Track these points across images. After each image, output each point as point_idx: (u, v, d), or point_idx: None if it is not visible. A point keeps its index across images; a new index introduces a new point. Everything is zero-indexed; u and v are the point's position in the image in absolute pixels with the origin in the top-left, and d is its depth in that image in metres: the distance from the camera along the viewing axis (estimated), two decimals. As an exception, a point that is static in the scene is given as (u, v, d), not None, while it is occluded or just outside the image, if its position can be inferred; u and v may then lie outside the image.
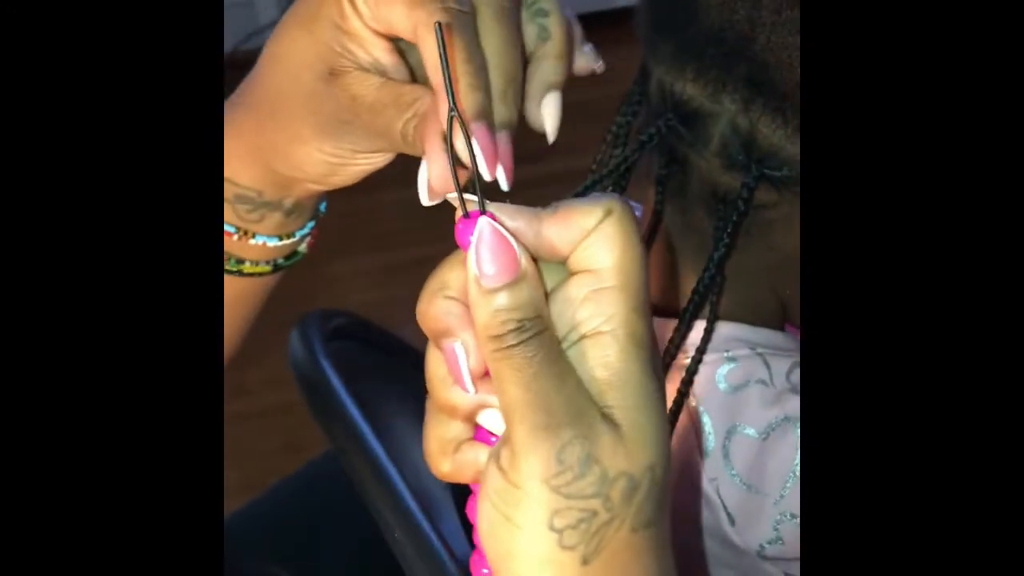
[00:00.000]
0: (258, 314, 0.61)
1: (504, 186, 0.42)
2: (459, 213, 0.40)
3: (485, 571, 0.45)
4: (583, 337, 0.39)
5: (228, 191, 0.54)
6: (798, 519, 0.66)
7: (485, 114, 0.42)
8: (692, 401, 0.69)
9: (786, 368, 0.68)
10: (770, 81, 0.62)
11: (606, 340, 0.39)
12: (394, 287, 2.06)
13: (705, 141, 0.65)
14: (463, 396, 0.41)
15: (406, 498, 0.69)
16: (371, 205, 2.03)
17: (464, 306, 0.40)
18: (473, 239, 0.39)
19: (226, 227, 0.55)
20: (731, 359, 0.69)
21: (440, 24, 0.40)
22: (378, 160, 0.50)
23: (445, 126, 0.41)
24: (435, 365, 0.42)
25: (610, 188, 0.70)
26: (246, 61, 0.54)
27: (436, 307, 0.41)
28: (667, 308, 0.73)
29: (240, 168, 0.53)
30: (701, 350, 0.68)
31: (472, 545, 0.78)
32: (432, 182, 0.43)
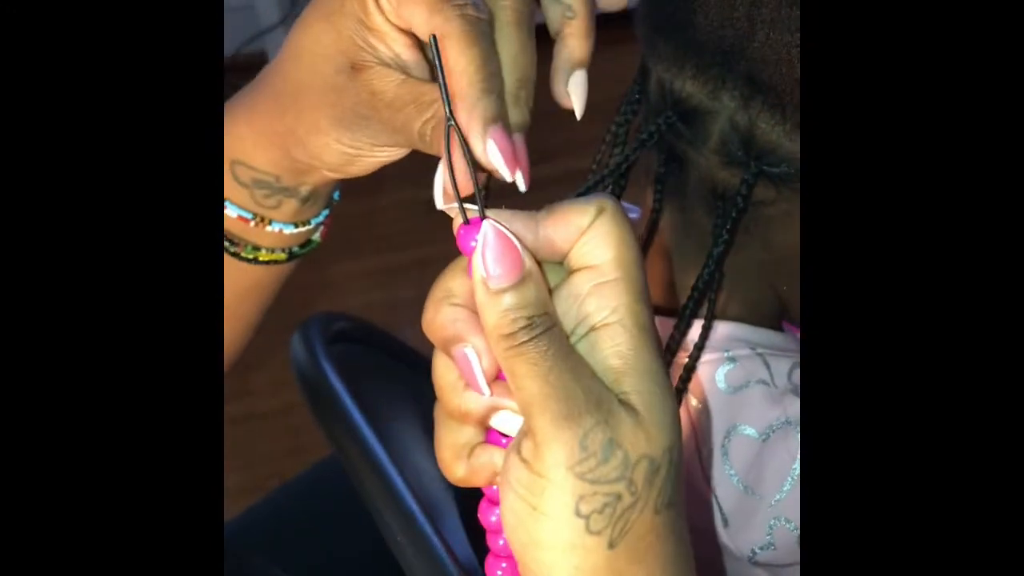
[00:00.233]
0: (271, 304, 0.62)
1: (522, 187, 0.43)
2: (458, 220, 0.41)
3: (504, 566, 0.46)
4: (592, 329, 0.41)
5: (246, 175, 0.54)
6: (792, 524, 0.65)
7: (500, 117, 0.43)
8: (692, 400, 0.69)
9: (787, 368, 0.68)
10: (770, 78, 0.62)
11: (615, 330, 0.40)
12: (396, 288, 2.06)
13: (704, 138, 0.66)
14: (475, 401, 0.42)
15: (408, 501, 0.69)
16: (372, 207, 2.04)
17: (470, 311, 0.41)
18: (478, 242, 0.40)
19: (243, 213, 0.55)
20: (731, 359, 0.69)
21: (435, 37, 0.42)
22: (395, 153, 0.51)
23: (448, 135, 0.42)
24: (444, 372, 0.43)
25: (610, 188, 0.70)
26: (247, 64, 0.54)
27: (443, 315, 0.42)
28: (667, 308, 0.73)
29: (259, 153, 0.53)
30: (699, 347, 0.68)
31: (474, 548, 0.78)
32: (448, 184, 0.43)
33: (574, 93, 0.48)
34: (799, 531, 0.66)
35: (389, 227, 2.05)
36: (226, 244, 0.56)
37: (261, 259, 0.57)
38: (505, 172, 0.42)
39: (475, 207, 0.41)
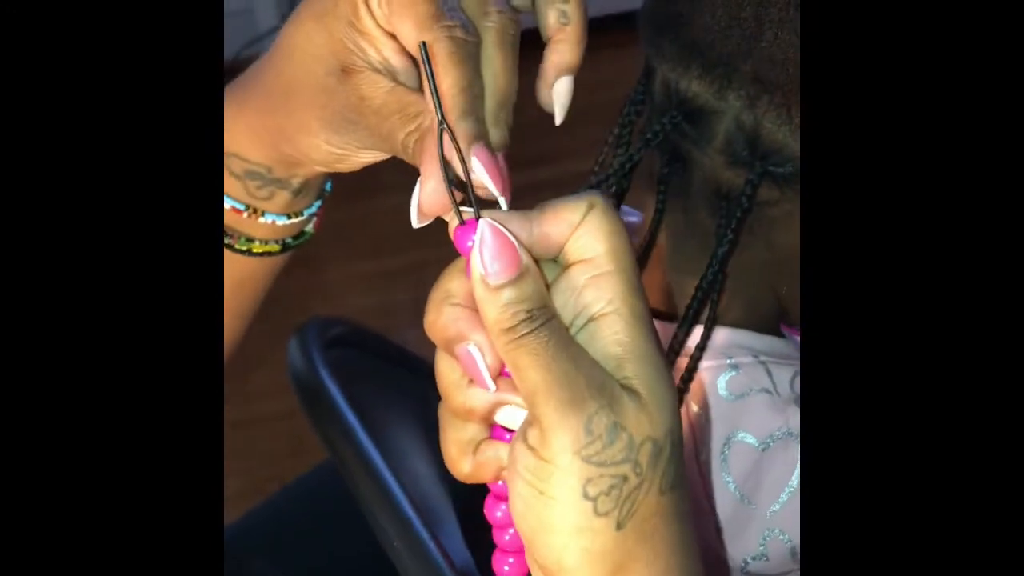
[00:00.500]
0: (264, 298, 0.62)
1: (503, 205, 0.43)
2: (454, 222, 0.43)
3: (511, 561, 0.46)
4: (591, 320, 0.42)
5: (238, 166, 0.55)
6: (787, 537, 0.65)
7: (481, 137, 0.44)
8: (692, 406, 0.69)
9: (789, 377, 0.68)
10: (776, 78, 0.62)
11: (613, 319, 0.41)
12: (392, 292, 2.06)
13: (709, 138, 0.66)
14: (479, 397, 0.43)
15: (404, 506, 0.69)
16: (368, 211, 2.04)
17: (471, 310, 0.42)
18: (476, 240, 0.41)
19: (236, 204, 0.56)
20: (733, 366, 0.69)
21: (424, 44, 0.43)
22: (381, 155, 0.51)
23: (438, 141, 0.43)
24: (447, 372, 0.44)
25: (613, 189, 0.70)
26: (247, 67, 0.54)
27: (444, 315, 0.43)
28: (666, 312, 0.73)
29: (250, 145, 0.54)
30: (701, 347, 0.68)
31: (473, 552, 0.78)
32: (423, 202, 0.44)
33: (558, 99, 0.48)
34: (793, 544, 0.66)
35: (386, 231, 2.05)
36: None
37: (255, 251, 0.57)
38: (491, 185, 0.43)
39: (470, 209, 0.42)
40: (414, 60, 0.49)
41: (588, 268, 0.42)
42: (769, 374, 0.68)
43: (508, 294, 0.41)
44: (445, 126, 0.43)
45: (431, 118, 0.45)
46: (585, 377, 0.40)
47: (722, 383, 0.69)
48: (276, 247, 0.58)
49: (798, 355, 0.72)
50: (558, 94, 0.48)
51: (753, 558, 0.67)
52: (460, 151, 0.43)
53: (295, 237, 0.59)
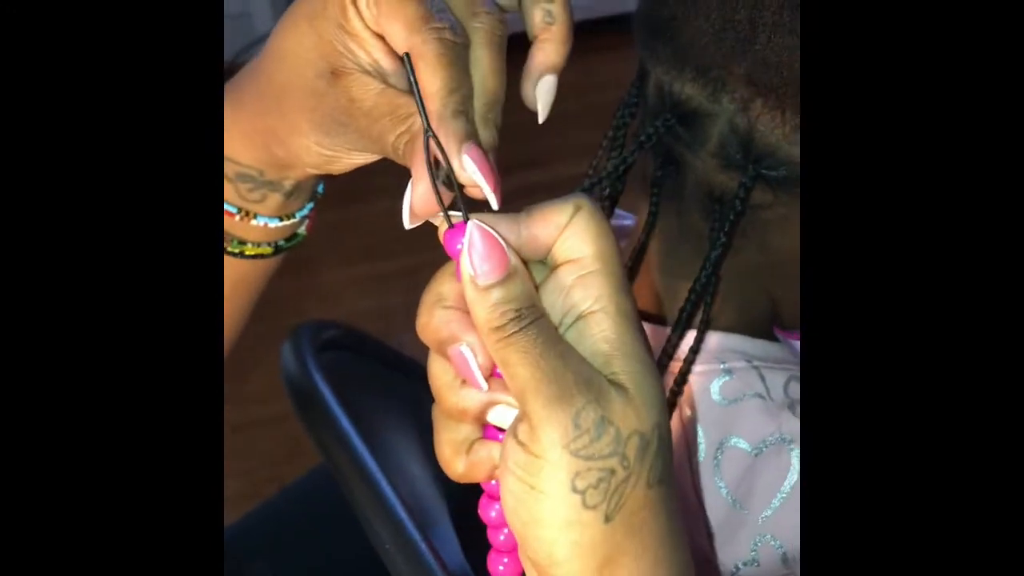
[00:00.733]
0: (258, 300, 0.63)
1: (494, 205, 0.44)
2: (443, 226, 0.43)
3: (505, 561, 0.47)
4: (579, 318, 0.43)
5: (230, 169, 0.55)
6: (778, 543, 0.65)
7: (472, 136, 0.44)
8: (686, 410, 0.69)
9: (783, 381, 0.68)
10: (770, 81, 0.62)
11: (600, 317, 0.42)
12: (387, 296, 2.06)
13: (703, 141, 0.65)
14: (471, 398, 0.44)
15: (397, 509, 0.69)
16: (363, 214, 2.04)
17: (462, 312, 0.43)
18: (465, 242, 0.42)
19: (228, 207, 0.56)
20: (727, 371, 0.69)
21: (408, 55, 0.44)
22: (372, 157, 0.52)
23: (428, 146, 0.44)
24: (440, 373, 0.45)
25: (607, 191, 0.70)
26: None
27: (436, 318, 0.44)
28: (657, 316, 0.73)
29: (241, 148, 0.54)
30: (695, 350, 0.68)
31: (467, 555, 0.78)
32: (414, 203, 0.44)
33: (541, 98, 0.48)
34: (784, 550, 0.66)
35: (381, 235, 2.05)
36: None
37: (247, 253, 0.57)
38: (483, 183, 0.43)
39: (459, 213, 0.43)
40: (403, 57, 0.49)
41: (576, 268, 0.43)
42: (762, 379, 0.68)
43: (497, 294, 0.42)
44: (431, 134, 0.43)
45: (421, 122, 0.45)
46: (573, 373, 0.41)
47: (715, 388, 0.69)
48: (268, 249, 0.58)
49: (791, 359, 0.72)
50: (542, 93, 0.48)
51: (745, 563, 0.67)
52: (446, 155, 0.43)
53: (287, 239, 0.59)
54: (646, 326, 0.62)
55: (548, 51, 0.48)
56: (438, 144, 0.43)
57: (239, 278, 0.59)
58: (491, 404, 0.44)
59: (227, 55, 0.53)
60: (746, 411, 0.68)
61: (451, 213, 0.43)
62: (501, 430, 0.45)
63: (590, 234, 0.43)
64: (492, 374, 0.44)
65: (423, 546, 0.67)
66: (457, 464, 0.46)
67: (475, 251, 0.42)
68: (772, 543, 0.66)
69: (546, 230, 0.43)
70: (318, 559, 0.98)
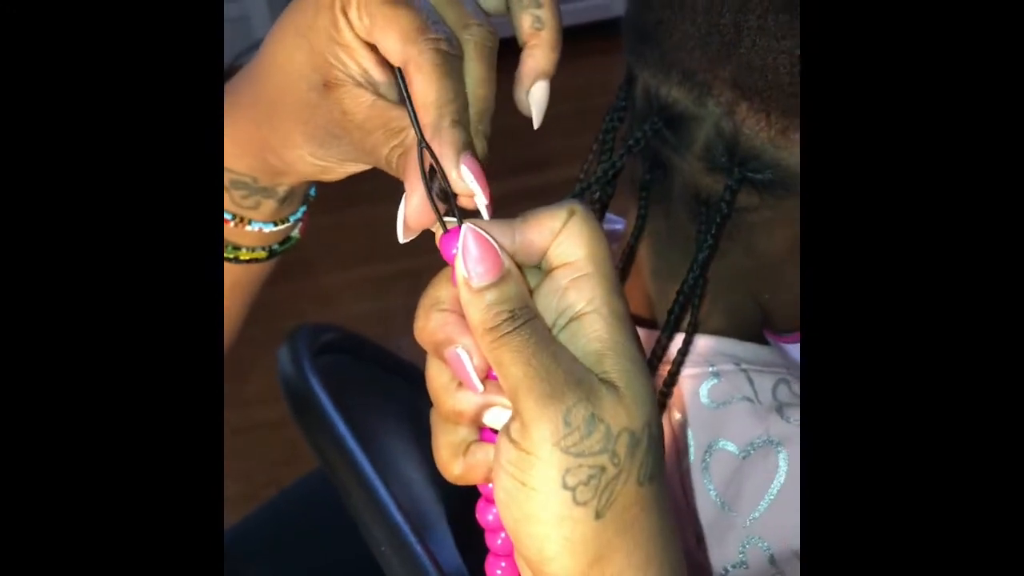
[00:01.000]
0: (253, 304, 0.63)
1: (485, 215, 0.45)
2: (439, 231, 0.44)
3: (503, 565, 0.47)
4: (572, 320, 0.43)
5: (225, 177, 0.55)
6: (766, 544, 0.66)
7: (469, 145, 0.45)
8: (675, 414, 0.69)
9: (771, 385, 0.69)
10: (755, 84, 0.62)
11: (592, 318, 0.43)
12: (385, 299, 2.06)
13: (689, 144, 0.66)
14: (467, 400, 0.44)
15: (392, 512, 0.69)
16: (362, 218, 2.04)
17: (458, 315, 0.44)
18: (459, 245, 0.43)
19: (223, 214, 0.56)
20: (715, 374, 0.69)
21: (400, 70, 0.45)
22: (367, 165, 0.52)
23: (421, 157, 0.44)
24: (436, 375, 0.45)
25: (598, 195, 0.71)
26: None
27: (433, 321, 0.44)
28: (649, 320, 0.73)
29: (235, 157, 0.55)
30: (684, 351, 0.69)
31: (464, 557, 0.79)
32: (408, 217, 0.45)
33: (534, 104, 0.49)
34: (772, 551, 0.66)
35: (379, 238, 2.05)
36: None
37: (242, 258, 0.58)
38: (479, 192, 0.44)
39: (454, 219, 0.44)
40: (395, 71, 0.49)
41: (569, 271, 0.44)
42: (751, 382, 0.69)
43: (491, 296, 0.42)
44: (425, 146, 0.44)
45: (413, 133, 0.45)
46: (564, 372, 0.42)
47: (704, 391, 0.69)
48: (263, 254, 0.59)
49: (781, 363, 0.72)
50: (535, 99, 0.49)
51: (733, 566, 0.67)
52: (440, 166, 0.44)
53: (281, 243, 0.59)
54: (639, 330, 0.62)
55: (538, 57, 0.48)
56: (433, 156, 0.44)
57: (234, 283, 0.60)
58: (487, 406, 0.44)
59: (226, 59, 0.54)
60: (734, 414, 0.68)
61: (446, 219, 0.44)
62: (497, 432, 0.45)
63: (583, 238, 0.44)
64: (488, 377, 0.44)
65: (419, 548, 0.67)
66: (454, 466, 0.46)
67: (469, 254, 0.43)
68: (760, 545, 0.66)
69: (540, 235, 0.44)
70: (316, 561, 0.98)
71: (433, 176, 0.44)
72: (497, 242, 0.43)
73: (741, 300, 0.71)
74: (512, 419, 0.43)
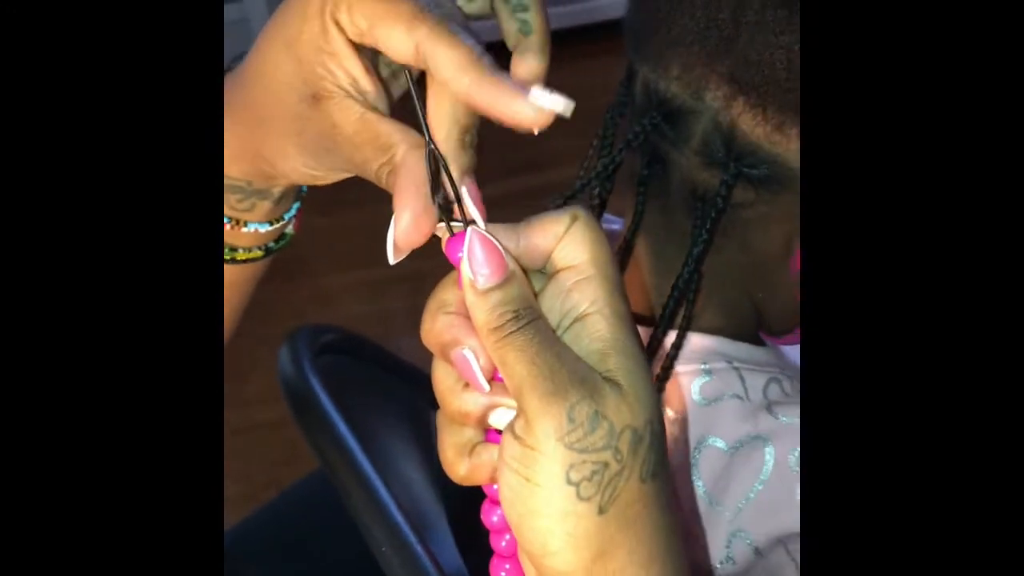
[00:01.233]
0: (256, 303, 0.63)
1: (482, 227, 0.45)
2: (446, 236, 0.45)
3: (507, 567, 0.47)
4: (575, 320, 0.44)
5: None
6: (750, 538, 0.66)
7: (472, 169, 0.46)
8: (668, 412, 0.70)
9: (762, 384, 0.69)
10: (752, 79, 0.62)
11: (596, 318, 0.44)
12: (388, 300, 2.07)
13: (687, 139, 0.66)
14: (473, 401, 0.45)
15: (393, 512, 0.70)
16: (364, 219, 2.04)
17: (464, 318, 0.44)
18: (464, 247, 0.44)
19: None
20: (707, 371, 0.70)
21: (409, 71, 0.45)
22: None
23: (415, 174, 0.44)
24: (443, 377, 0.46)
25: (597, 191, 0.71)
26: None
27: (439, 323, 0.45)
28: (648, 316, 0.74)
29: (229, 162, 0.54)
30: (677, 346, 0.69)
31: (464, 557, 0.79)
32: (398, 238, 0.45)
33: (543, 104, 0.45)
34: (755, 544, 0.66)
35: (380, 240, 2.05)
36: None
37: (239, 259, 0.58)
38: (479, 218, 0.45)
39: (459, 222, 0.45)
40: (383, 80, 0.49)
41: (573, 274, 0.44)
42: (742, 380, 0.69)
43: (496, 296, 0.43)
44: (433, 147, 0.45)
45: (402, 151, 0.45)
46: (568, 370, 0.42)
47: (696, 388, 0.69)
48: (259, 253, 0.59)
49: (775, 363, 0.72)
50: (543, 103, 0.46)
51: (721, 563, 0.67)
52: (449, 173, 0.45)
53: (276, 240, 0.60)
54: (638, 327, 0.62)
55: (529, 63, 0.47)
56: (442, 163, 0.45)
57: (231, 283, 0.60)
58: (492, 407, 0.45)
59: (225, 61, 0.53)
60: (724, 411, 0.68)
61: (452, 224, 0.45)
62: (502, 433, 0.45)
63: (586, 242, 0.45)
64: (493, 378, 0.45)
65: (419, 548, 0.68)
66: (460, 467, 0.47)
67: (475, 257, 0.43)
68: (745, 539, 0.66)
69: (544, 239, 0.45)
70: (317, 562, 0.98)
71: (438, 180, 0.45)
72: (502, 245, 0.44)
73: (736, 299, 0.72)
74: (516, 417, 0.43)
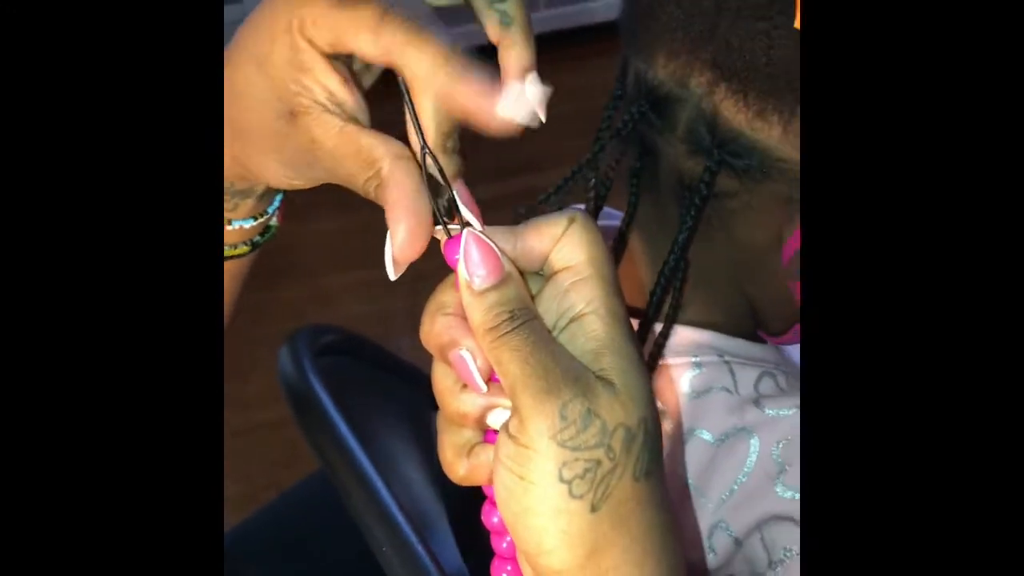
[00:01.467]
0: (240, 295, 0.63)
1: (478, 227, 0.45)
2: (443, 237, 0.45)
3: (509, 568, 0.47)
4: (571, 320, 0.44)
5: None
6: (731, 530, 0.66)
7: (461, 173, 0.46)
8: (659, 404, 0.70)
9: (754, 378, 0.69)
10: (733, 65, 0.63)
11: (591, 318, 0.44)
12: (389, 301, 2.07)
13: (673, 127, 0.67)
14: (471, 402, 0.45)
15: (394, 513, 0.70)
16: (364, 220, 2.04)
17: (462, 319, 0.45)
18: (461, 249, 0.44)
19: None
20: (698, 364, 0.70)
21: (403, 81, 0.44)
22: None
23: (405, 187, 0.44)
24: (442, 378, 0.46)
25: (592, 183, 0.71)
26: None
27: (438, 324, 0.45)
28: (643, 310, 0.73)
29: None
30: (664, 335, 0.70)
31: (464, 558, 0.79)
32: (396, 255, 0.45)
33: (533, 99, 0.46)
34: (735, 535, 0.66)
35: (380, 240, 2.05)
36: None
37: (226, 255, 0.58)
38: (474, 221, 0.45)
39: (457, 226, 0.45)
40: (362, 88, 0.48)
41: (570, 275, 0.45)
42: (732, 374, 0.70)
43: (492, 297, 0.44)
44: (428, 152, 0.45)
45: (388, 164, 0.45)
46: (562, 369, 0.43)
47: (686, 381, 0.70)
48: (246, 248, 0.59)
49: (770, 359, 0.72)
50: (532, 94, 0.47)
51: (703, 555, 0.68)
52: (445, 176, 0.45)
53: (262, 234, 0.59)
54: (634, 322, 0.62)
55: (517, 55, 0.46)
56: (438, 167, 0.45)
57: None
58: (490, 408, 0.45)
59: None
60: (712, 404, 0.69)
61: (449, 226, 0.45)
62: None
63: (584, 243, 0.45)
64: (491, 378, 0.45)
65: (420, 548, 0.68)
66: (459, 467, 0.47)
67: (471, 258, 0.44)
68: (726, 529, 0.67)
69: (541, 241, 0.45)
70: (317, 562, 0.98)
71: (434, 184, 0.45)
72: (498, 246, 0.44)
73: (728, 293, 0.72)
74: (511, 416, 0.43)
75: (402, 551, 0.68)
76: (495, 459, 0.44)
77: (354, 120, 0.46)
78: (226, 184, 0.54)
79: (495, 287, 0.44)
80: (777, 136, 0.64)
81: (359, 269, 2.17)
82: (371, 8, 0.44)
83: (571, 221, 0.45)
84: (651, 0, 0.66)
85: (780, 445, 0.66)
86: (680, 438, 0.69)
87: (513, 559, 0.48)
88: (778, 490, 0.65)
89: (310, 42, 0.45)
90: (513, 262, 0.45)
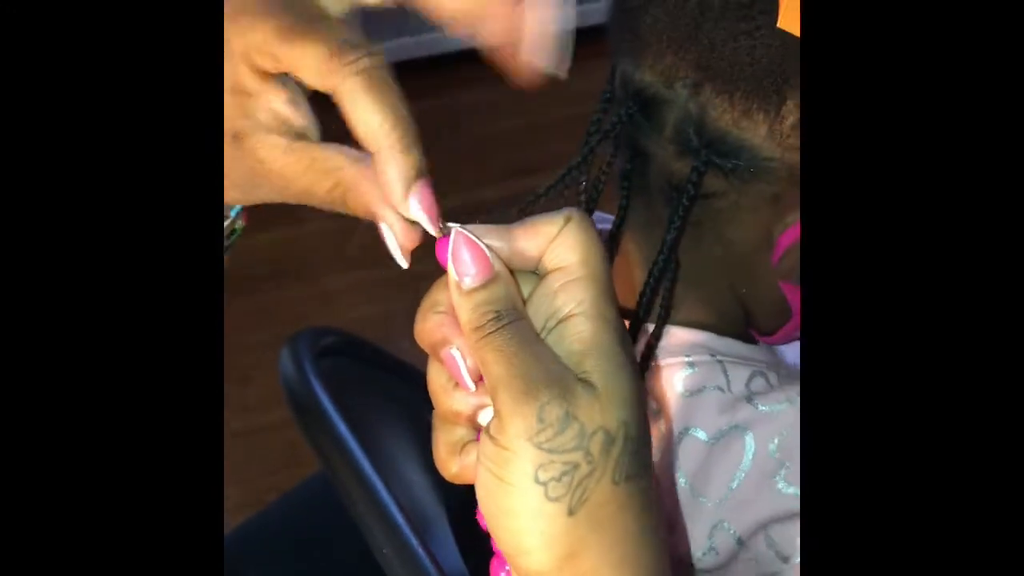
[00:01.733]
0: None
1: (434, 232, 0.44)
2: (438, 233, 0.45)
3: (507, 568, 0.48)
4: (560, 321, 0.44)
5: None
6: (732, 529, 0.66)
7: (421, 173, 0.43)
8: (651, 404, 0.70)
9: (746, 376, 0.69)
10: (717, 65, 0.63)
11: (579, 319, 0.44)
12: (389, 302, 2.06)
13: (660, 128, 0.67)
14: (463, 401, 0.46)
15: (394, 514, 0.70)
16: (364, 221, 2.04)
17: (454, 317, 0.45)
18: (449, 248, 0.44)
19: None
20: (690, 364, 0.70)
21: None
22: None
23: (391, 186, 0.43)
24: (435, 376, 0.47)
25: (583, 184, 0.72)
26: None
27: (430, 322, 0.45)
28: (636, 312, 0.74)
29: None
30: (656, 336, 0.70)
31: (465, 559, 0.79)
32: (400, 240, 0.45)
33: (548, 53, 0.46)
34: (737, 534, 0.66)
35: (381, 242, 2.05)
36: None
37: None
38: (429, 227, 0.44)
39: (454, 224, 0.45)
40: (309, 106, 0.48)
41: (562, 275, 0.45)
42: (725, 373, 0.70)
43: (479, 296, 0.44)
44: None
45: (351, 171, 0.45)
46: (544, 371, 0.42)
47: (679, 381, 0.70)
48: None
49: (763, 359, 0.72)
50: (543, 38, 0.46)
51: (704, 553, 0.68)
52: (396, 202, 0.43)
53: (227, 236, 0.59)
54: (627, 323, 0.62)
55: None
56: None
57: None
58: (481, 407, 0.45)
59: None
60: (705, 403, 0.69)
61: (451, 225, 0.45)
62: None
63: (578, 244, 0.45)
64: (481, 378, 0.45)
65: (420, 550, 0.68)
66: (451, 465, 0.47)
67: (459, 258, 0.44)
68: (727, 529, 0.67)
69: (535, 241, 0.45)
70: (317, 564, 0.98)
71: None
72: (488, 246, 0.44)
73: (719, 293, 0.72)
74: (493, 416, 0.43)
75: (402, 552, 0.68)
76: (478, 459, 0.44)
77: (303, 137, 0.46)
78: None
79: (483, 287, 0.44)
80: (763, 135, 0.64)
81: (359, 271, 2.17)
82: (318, 46, 0.43)
83: (567, 220, 0.45)
84: (637, 2, 0.67)
85: (776, 441, 0.66)
86: (674, 438, 0.69)
87: None
88: (780, 486, 0.65)
89: (255, 68, 0.45)
90: (507, 261, 0.45)
